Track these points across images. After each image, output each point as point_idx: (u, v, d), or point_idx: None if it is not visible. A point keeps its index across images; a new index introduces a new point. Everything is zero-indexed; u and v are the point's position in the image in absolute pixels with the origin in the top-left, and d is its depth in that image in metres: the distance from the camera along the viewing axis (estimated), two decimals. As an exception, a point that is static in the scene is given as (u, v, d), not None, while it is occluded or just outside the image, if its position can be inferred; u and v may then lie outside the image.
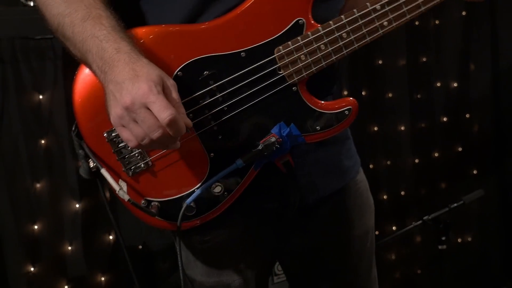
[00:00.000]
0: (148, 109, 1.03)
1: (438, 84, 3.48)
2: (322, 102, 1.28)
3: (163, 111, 1.02)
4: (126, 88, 1.04)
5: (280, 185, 1.35)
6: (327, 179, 1.42)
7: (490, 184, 3.55)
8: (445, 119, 3.52)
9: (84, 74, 1.24)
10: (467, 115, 3.56)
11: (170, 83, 1.09)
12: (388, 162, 3.31)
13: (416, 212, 3.41)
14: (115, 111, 1.07)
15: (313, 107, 1.27)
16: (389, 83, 3.29)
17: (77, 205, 2.54)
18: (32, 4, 2.37)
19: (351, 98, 1.28)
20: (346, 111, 1.27)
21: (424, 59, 3.41)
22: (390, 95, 3.32)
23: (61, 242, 2.53)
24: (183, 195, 1.27)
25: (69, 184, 2.51)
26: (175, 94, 1.08)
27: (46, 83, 2.43)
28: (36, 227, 2.48)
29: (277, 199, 1.36)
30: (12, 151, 2.41)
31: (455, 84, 3.50)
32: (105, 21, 1.13)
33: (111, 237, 2.63)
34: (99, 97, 1.17)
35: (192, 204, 1.26)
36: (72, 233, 2.54)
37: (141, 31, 1.21)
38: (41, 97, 2.43)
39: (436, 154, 3.51)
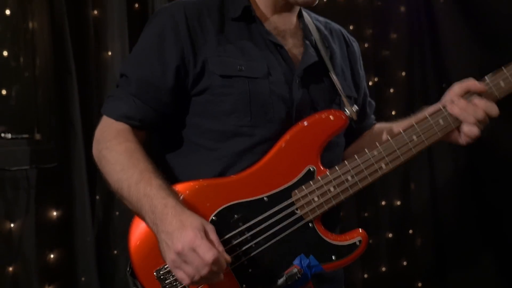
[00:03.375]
0: (195, 251, 1.27)
1: (383, 203, 3.76)
2: (336, 235, 1.49)
3: (207, 253, 1.27)
4: (176, 236, 1.29)
5: None
6: None
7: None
8: (390, 235, 3.77)
9: (137, 227, 1.45)
10: (410, 231, 3.82)
11: (209, 227, 1.33)
12: (340, 278, 3.47)
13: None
14: (169, 256, 1.31)
15: (328, 240, 1.48)
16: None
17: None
18: (9, 136, 2.51)
19: (360, 230, 1.50)
20: (357, 242, 1.49)
21: (370, 181, 3.69)
22: (341, 214, 3.55)
23: None
24: None
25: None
26: (213, 236, 1.32)
27: (18, 212, 2.51)
28: None
29: None
30: (-21, 278, 2.44)
31: (398, 202, 3.80)
32: (154, 182, 1.38)
33: None
34: (149, 244, 1.41)
35: None
36: None
37: (183, 186, 1.45)
38: (12, 225, 2.50)
39: (384, 269, 3.72)
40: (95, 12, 2.66)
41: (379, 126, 1.82)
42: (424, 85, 3.79)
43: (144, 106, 1.48)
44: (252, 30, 1.53)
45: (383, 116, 3.70)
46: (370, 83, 3.63)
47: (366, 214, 3.68)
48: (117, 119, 1.49)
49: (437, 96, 3.79)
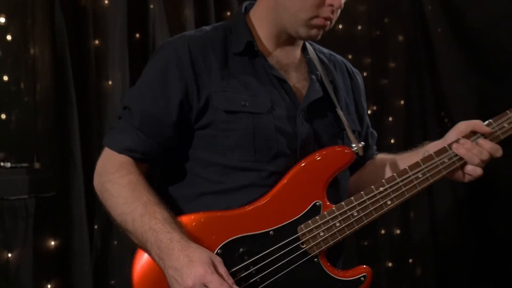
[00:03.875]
0: (207, 287, 1.27)
1: (383, 232, 3.74)
2: (341, 270, 1.50)
3: None
4: (186, 273, 1.29)
5: None
6: None
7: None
8: (390, 264, 3.74)
9: (140, 259, 1.44)
10: (410, 260, 3.79)
11: (217, 260, 1.34)
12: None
13: None
14: None
15: (333, 275, 1.48)
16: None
17: None
18: (9, 165, 2.49)
19: (365, 266, 1.52)
20: (362, 278, 1.50)
21: (369, 209, 3.67)
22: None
23: None
24: None
25: None
26: (222, 269, 1.32)
27: (16, 241, 2.48)
28: None
29: None
30: (-25, 308, 2.40)
31: (398, 231, 3.77)
32: (159, 215, 1.38)
33: None
34: (153, 277, 1.40)
35: None
36: None
37: (188, 218, 1.45)
38: (9, 255, 2.47)
39: (384, 299, 3.68)
40: (96, 41, 2.68)
41: (381, 157, 1.82)
42: (423, 114, 3.81)
43: (147, 139, 1.49)
44: (255, 64, 1.55)
45: (382, 145, 3.73)
46: (369, 112, 3.64)
47: (365, 243, 3.66)
48: (120, 151, 1.49)
49: (436, 124, 3.85)
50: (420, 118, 3.80)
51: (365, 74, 3.71)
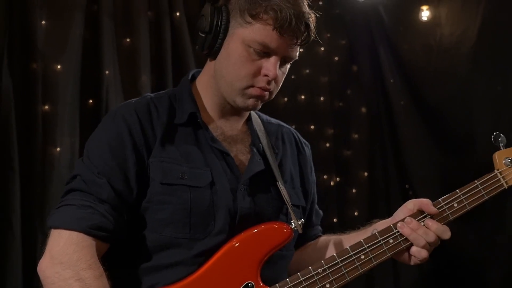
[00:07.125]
0: None
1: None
2: None
3: None
4: None
5: None
6: None
7: None
8: None
9: None
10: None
11: None
12: None
13: None
14: None
15: None
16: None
17: None
18: None
19: None
20: None
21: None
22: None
23: None
24: None
25: None
26: None
27: None
28: None
29: None
30: None
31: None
32: None
33: None
34: None
35: None
36: None
37: None
38: None
39: None
40: (45, 106, 2.56)
41: (324, 238, 1.69)
42: (387, 186, 3.75)
43: (116, 215, 1.34)
44: (198, 136, 1.46)
45: (346, 217, 3.64)
46: (332, 183, 3.56)
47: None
48: (87, 232, 1.30)
49: (400, 196, 3.78)
50: (384, 190, 3.74)
51: (327, 145, 3.66)
